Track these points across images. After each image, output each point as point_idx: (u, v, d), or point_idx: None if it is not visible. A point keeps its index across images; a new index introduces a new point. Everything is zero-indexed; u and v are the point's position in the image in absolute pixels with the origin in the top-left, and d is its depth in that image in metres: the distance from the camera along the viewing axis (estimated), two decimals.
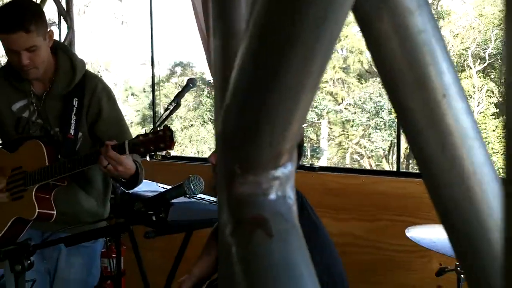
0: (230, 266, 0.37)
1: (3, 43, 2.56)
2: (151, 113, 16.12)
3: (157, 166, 4.18)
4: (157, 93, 16.08)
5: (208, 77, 16.00)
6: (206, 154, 14.19)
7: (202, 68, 16.07)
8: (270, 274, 0.34)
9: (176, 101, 3.03)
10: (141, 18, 17.96)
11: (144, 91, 16.37)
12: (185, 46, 17.26)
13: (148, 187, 3.35)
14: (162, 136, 2.32)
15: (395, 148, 14.41)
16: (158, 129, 2.35)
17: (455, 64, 14.20)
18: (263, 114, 0.38)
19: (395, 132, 14.26)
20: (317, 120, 13.41)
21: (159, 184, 3.45)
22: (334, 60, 14.51)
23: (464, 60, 13.98)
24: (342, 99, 14.47)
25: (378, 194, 3.58)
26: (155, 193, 3.21)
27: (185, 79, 16.48)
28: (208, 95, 15.61)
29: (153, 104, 4.98)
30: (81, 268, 2.85)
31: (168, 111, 3.03)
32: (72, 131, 2.67)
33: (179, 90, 3.08)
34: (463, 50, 13.95)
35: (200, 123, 14.61)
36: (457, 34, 14.11)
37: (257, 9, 0.36)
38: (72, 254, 2.79)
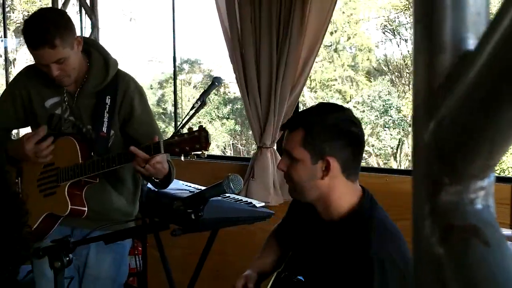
0: (439, 272, 0.36)
1: (32, 56, 2.57)
2: (159, 110, 16.14)
3: (181, 164, 4.17)
4: (165, 90, 16.08)
5: (217, 74, 15.97)
6: (214, 152, 14.17)
7: (209, 65, 16.05)
8: (492, 282, 0.34)
9: (202, 100, 3.04)
10: (149, 15, 17.97)
11: (152, 88, 16.37)
12: (192, 43, 17.25)
13: (173, 185, 3.35)
14: (197, 137, 2.34)
15: (407, 146, 14.41)
16: (194, 129, 2.36)
17: None
18: (485, 132, 0.38)
19: (403, 130, 14.26)
20: None
21: (184, 183, 3.45)
22: (343, 58, 14.49)
23: None
24: (350, 97, 14.46)
25: (402, 193, 3.56)
26: (181, 191, 3.24)
27: (193, 76, 16.49)
28: (216, 93, 15.60)
29: (174, 102, 4.98)
30: (111, 266, 2.85)
31: (194, 110, 3.04)
32: (104, 129, 2.67)
33: (205, 89, 3.08)
34: None
35: (208, 121, 14.61)
36: None
37: (499, 40, 0.36)
38: (101, 252, 2.80)
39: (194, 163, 4.30)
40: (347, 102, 14.33)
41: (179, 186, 3.34)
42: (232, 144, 15.10)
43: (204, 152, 2.40)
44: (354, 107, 14.11)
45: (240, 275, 4.10)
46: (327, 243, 1.97)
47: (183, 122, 3.00)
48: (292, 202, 2.33)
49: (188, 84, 15.75)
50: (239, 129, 15.25)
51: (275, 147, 3.80)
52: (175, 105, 5.02)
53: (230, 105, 15.03)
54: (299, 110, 3.84)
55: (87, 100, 2.70)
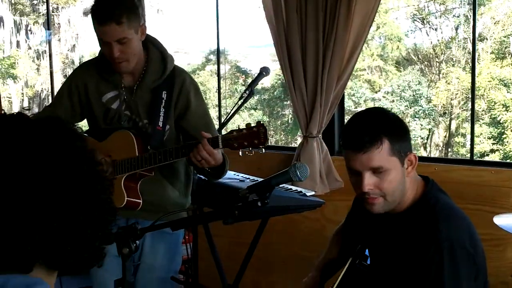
0: None
1: (96, 33, 2.60)
2: None
3: (229, 155, 4.18)
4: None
5: (243, 65, 15.98)
6: None
7: (236, 56, 16.02)
8: None
9: (250, 90, 3.05)
10: (177, 7, 17.99)
11: None
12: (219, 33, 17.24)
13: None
14: (256, 133, 2.39)
15: (437, 137, 14.28)
16: (252, 125, 2.42)
17: (496, 51, 13.99)
18: None
19: (433, 121, 14.12)
20: (354, 108, 13.37)
21: (232, 172, 3.46)
22: (372, 47, 14.38)
23: (506, 47, 13.73)
24: (379, 87, 14.35)
25: (451, 182, 3.53)
26: (231, 180, 3.25)
27: (221, 67, 16.45)
28: (243, 83, 15.60)
29: (218, 94, 4.98)
30: (165, 254, 2.90)
31: (242, 99, 3.05)
32: (160, 124, 2.71)
33: (253, 79, 3.08)
34: (504, 37, 13.70)
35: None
36: (498, 21, 13.85)
37: None
38: (156, 241, 2.84)
39: (257, 154, 4.32)
40: (376, 92, 14.24)
41: (228, 175, 3.36)
42: None
43: (262, 147, 2.42)
44: (384, 97, 14.02)
45: (284, 263, 4.12)
46: (396, 233, 2.00)
47: (231, 113, 3.01)
48: (355, 200, 2.35)
49: (216, 75, 15.74)
50: (267, 119, 15.24)
51: (320, 137, 3.79)
52: (219, 96, 5.01)
53: (258, 95, 15.01)
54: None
55: (144, 95, 2.73)
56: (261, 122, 2.41)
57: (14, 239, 1.00)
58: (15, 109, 15.22)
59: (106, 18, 2.51)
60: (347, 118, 4.09)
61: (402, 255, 1.94)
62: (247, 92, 3.05)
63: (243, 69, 16.21)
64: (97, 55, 2.84)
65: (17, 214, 0.99)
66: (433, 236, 1.86)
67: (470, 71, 13.97)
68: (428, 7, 14.54)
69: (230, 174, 3.44)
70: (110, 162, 2.67)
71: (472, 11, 4.01)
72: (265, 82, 15.31)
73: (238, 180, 3.24)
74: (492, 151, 13.39)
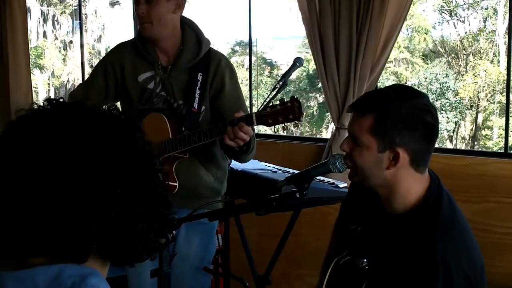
0: None
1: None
2: None
3: (258, 146, 4.19)
4: None
5: (269, 56, 15.94)
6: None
7: (262, 47, 15.99)
8: None
9: (283, 80, 3.02)
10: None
11: None
12: (245, 24, 17.23)
13: (255, 165, 3.37)
14: (290, 107, 2.39)
15: (463, 130, 14.14)
16: (286, 100, 2.42)
17: None
18: None
19: (460, 113, 13.98)
20: None
21: (264, 163, 3.46)
22: (399, 39, 14.24)
23: None
24: (406, 79, 14.24)
25: (485, 175, 3.50)
26: (264, 171, 3.25)
27: (246, 58, 16.46)
28: (269, 75, 15.58)
29: (250, 86, 4.98)
30: (199, 244, 2.90)
31: (276, 90, 3.03)
32: (196, 105, 2.71)
33: (287, 69, 3.07)
34: None
35: (261, 102, 14.57)
36: None
37: None
38: (191, 231, 2.84)
39: (270, 144, 4.34)
40: None
41: (260, 166, 3.36)
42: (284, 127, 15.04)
43: (297, 122, 2.41)
44: None
45: (313, 255, 4.11)
46: (390, 235, 1.88)
47: (266, 103, 3.01)
48: (351, 186, 2.25)
49: (242, 66, 15.75)
50: None
51: None
52: (250, 87, 5.01)
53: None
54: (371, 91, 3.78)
55: (180, 76, 2.73)
56: (295, 97, 2.40)
57: (72, 228, 1.00)
58: (41, 100, 15.35)
59: None
60: None
61: (395, 260, 1.82)
62: (280, 82, 3.03)
63: (268, 61, 16.18)
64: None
65: (76, 203, 1.00)
66: (430, 254, 1.72)
67: (499, 64, 13.81)
68: None
69: (262, 165, 3.44)
70: None
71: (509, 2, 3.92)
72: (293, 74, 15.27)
73: (270, 171, 3.23)
74: None
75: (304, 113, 2.44)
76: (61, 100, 1.08)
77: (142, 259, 1.11)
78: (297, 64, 3.09)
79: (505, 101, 13.77)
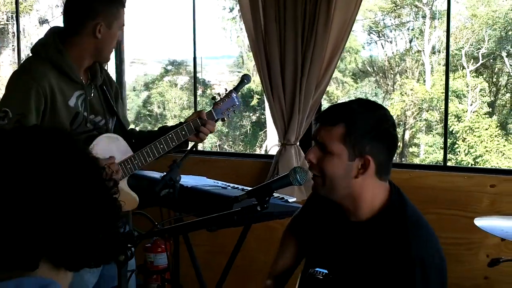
0: None
1: (117, 20, 2.57)
2: (145, 111, 16.04)
3: (205, 163, 4.21)
4: (152, 91, 16.00)
5: (202, 76, 15.94)
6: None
7: (197, 67, 15.99)
8: None
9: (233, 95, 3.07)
10: (133, 18, 17.84)
11: (134, 90, 16.29)
12: (178, 44, 17.20)
13: (203, 182, 3.36)
14: (232, 99, 2.77)
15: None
16: (226, 92, 2.81)
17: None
18: None
19: None
20: None
21: (212, 180, 3.46)
22: None
23: (458, 60, 14.14)
24: (337, 98, 14.56)
25: (426, 188, 3.63)
26: (214, 187, 3.24)
27: (179, 77, 16.43)
28: (203, 94, 15.57)
29: (194, 97, 4.97)
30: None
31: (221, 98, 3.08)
32: (120, 117, 2.74)
33: (234, 86, 3.09)
34: (456, 50, 14.11)
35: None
36: (451, 34, 14.27)
37: None
38: None
39: (216, 161, 4.35)
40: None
41: (209, 183, 3.35)
42: (219, 145, 15.09)
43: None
44: None
45: (261, 271, 4.12)
46: (358, 243, 1.92)
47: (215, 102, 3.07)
48: (310, 199, 2.27)
49: (175, 85, 15.69)
50: (226, 130, 15.24)
51: (298, 144, 3.83)
52: (195, 107, 5.02)
53: None
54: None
55: (97, 92, 2.65)
56: (230, 90, 2.80)
57: (20, 237, 1.01)
58: None
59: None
60: None
61: (369, 267, 1.86)
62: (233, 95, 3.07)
63: (201, 80, 16.19)
64: None
65: (23, 214, 1.01)
66: (404, 253, 1.80)
67: (425, 82, 14.35)
68: (384, 20, 14.86)
69: (210, 181, 3.44)
70: (115, 162, 2.53)
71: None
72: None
73: (220, 188, 3.23)
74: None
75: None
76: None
77: (98, 265, 1.13)
78: (245, 81, 3.11)
79: (431, 119, 14.33)
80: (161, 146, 2.56)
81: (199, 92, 15.75)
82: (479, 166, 12.49)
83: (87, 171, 1.09)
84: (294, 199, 3.24)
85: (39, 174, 1.02)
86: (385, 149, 1.88)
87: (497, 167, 12.11)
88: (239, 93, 3.09)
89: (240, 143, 15.36)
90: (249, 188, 3.26)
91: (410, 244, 1.80)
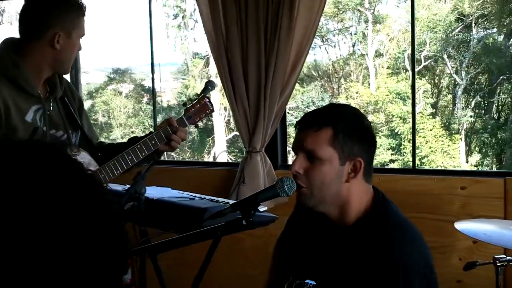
0: None
1: (78, 28, 2.42)
2: (90, 120, 15.63)
3: (169, 173, 4.04)
4: (95, 100, 15.62)
5: (148, 83, 15.71)
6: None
7: (141, 75, 15.73)
8: None
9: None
10: None
11: (85, 100, 15.93)
12: (122, 52, 16.90)
13: (169, 194, 3.22)
14: (205, 104, 2.67)
15: None
16: (198, 97, 2.67)
17: (391, 66, 14.61)
18: None
19: None
20: None
21: (177, 190, 3.32)
22: None
23: (401, 63, 14.39)
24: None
25: (395, 192, 3.56)
26: (180, 199, 3.10)
27: (124, 85, 16.12)
28: (148, 102, 15.31)
29: (153, 107, 4.82)
30: None
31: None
32: (86, 131, 2.61)
33: (198, 93, 2.98)
34: (399, 53, 14.36)
35: (141, 130, 14.33)
36: (393, 38, 14.51)
37: None
38: None
39: (179, 171, 4.19)
40: None
41: (175, 194, 3.21)
42: (165, 153, 14.85)
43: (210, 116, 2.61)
44: (288, 113, 14.24)
45: (227, 282, 4.00)
46: (344, 248, 1.87)
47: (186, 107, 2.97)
48: (290, 219, 2.21)
49: (119, 94, 15.37)
50: None
51: (264, 151, 3.73)
52: (154, 114, 4.85)
53: (164, 113, 14.78)
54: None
55: (56, 105, 2.51)
56: (203, 95, 2.67)
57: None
58: None
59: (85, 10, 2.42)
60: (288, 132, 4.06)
61: (354, 272, 1.81)
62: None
63: (147, 88, 15.93)
64: None
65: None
66: (387, 259, 1.75)
67: (369, 86, 14.55)
68: (327, 24, 14.98)
69: (175, 192, 3.29)
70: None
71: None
72: (171, 100, 15.12)
73: (188, 199, 3.09)
74: (392, 161, 13.95)
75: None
76: None
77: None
78: (209, 87, 3.01)
79: (377, 121, 14.53)
80: (130, 157, 2.42)
81: (145, 99, 15.49)
82: (449, 169, 12.66)
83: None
84: (265, 209, 3.14)
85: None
86: (369, 149, 1.87)
87: (466, 169, 12.26)
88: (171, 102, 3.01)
89: (188, 150, 15.18)
90: (216, 198, 3.17)
91: (393, 250, 1.76)
